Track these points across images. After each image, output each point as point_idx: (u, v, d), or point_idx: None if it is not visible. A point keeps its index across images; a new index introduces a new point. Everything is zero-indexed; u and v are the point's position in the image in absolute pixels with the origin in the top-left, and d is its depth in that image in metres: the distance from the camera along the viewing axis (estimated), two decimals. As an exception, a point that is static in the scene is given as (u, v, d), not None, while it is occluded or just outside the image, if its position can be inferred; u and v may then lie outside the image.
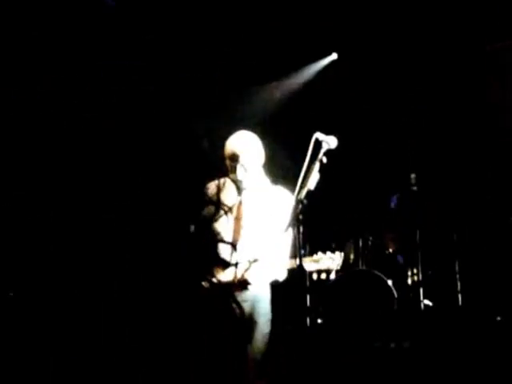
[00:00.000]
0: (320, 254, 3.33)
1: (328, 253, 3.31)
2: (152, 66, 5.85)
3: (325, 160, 3.27)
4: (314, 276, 3.34)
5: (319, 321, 5.46)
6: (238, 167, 3.53)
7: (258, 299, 3.50)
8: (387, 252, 5.56)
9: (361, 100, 6.35)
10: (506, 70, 6.08)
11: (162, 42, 5.88)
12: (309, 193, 3.20)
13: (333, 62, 6.75)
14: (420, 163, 6.03)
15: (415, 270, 5.30)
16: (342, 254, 3.31)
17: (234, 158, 3.54)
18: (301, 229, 3.13)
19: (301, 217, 3.12)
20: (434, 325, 5.08)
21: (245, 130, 3.69)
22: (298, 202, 3.16)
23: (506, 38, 6.00)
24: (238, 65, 6.25)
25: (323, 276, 3.32)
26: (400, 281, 5.37)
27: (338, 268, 3.29)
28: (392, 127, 6.43)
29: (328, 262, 3.30)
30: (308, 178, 3.24)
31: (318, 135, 3.30)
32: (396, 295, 5.08)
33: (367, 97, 6.35)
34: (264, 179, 3.68)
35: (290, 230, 3.21)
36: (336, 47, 6.68)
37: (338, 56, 6.71)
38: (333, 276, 3.32)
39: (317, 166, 3.26)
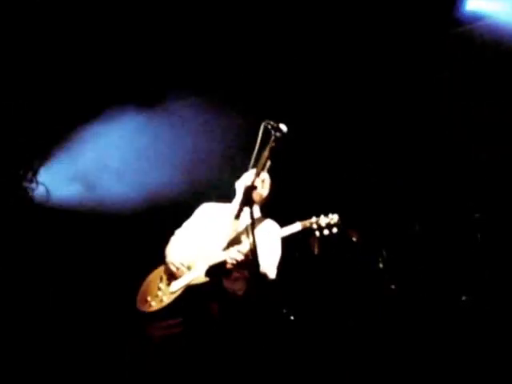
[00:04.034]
0: (314, 217, 3.68)
1: (322, 216, 3.67)
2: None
3: (275, 146, 3.30)
4: (317, 233, 3.66)
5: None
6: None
7: None
8: (351, 241, 5.62)
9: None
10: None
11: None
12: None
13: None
14: (385, 154, 6.08)
15: (380, 258, 5.35)
16: (336, 214, 3.66)
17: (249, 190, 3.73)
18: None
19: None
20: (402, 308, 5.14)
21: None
22: (250, 187, 3.18)
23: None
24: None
25: (326, 232, 3.64)
26: (365, 268, 5.44)
27: (339, 223, 3.64)
28: (355, 118, 6.38)
29: (325, 219, 3.65)
30: (259, 164, 3.27)
31: (267, 122, 3.33)
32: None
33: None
34: (259, 213, 4.05)
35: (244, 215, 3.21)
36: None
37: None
38: (335, 230, 3.64)
39: (267, 152, 3.29)
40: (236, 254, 3.65)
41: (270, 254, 3.84)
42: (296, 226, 3.73)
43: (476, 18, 5.93)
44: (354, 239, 5.59)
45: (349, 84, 6.09)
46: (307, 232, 3.75)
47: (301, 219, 3.79)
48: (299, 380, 4.64)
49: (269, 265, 3.80)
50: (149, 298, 3.84)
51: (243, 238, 3.76)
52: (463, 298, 5.04)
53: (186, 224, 4.18)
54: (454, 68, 5.96)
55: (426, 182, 5.88)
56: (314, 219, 3.67)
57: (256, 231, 3.29)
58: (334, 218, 3.63)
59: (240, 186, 4.06)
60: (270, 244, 3.84)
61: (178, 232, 4.15)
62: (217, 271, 3.72)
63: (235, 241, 3.81)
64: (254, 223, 3.09)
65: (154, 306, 3.78)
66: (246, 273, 3.77)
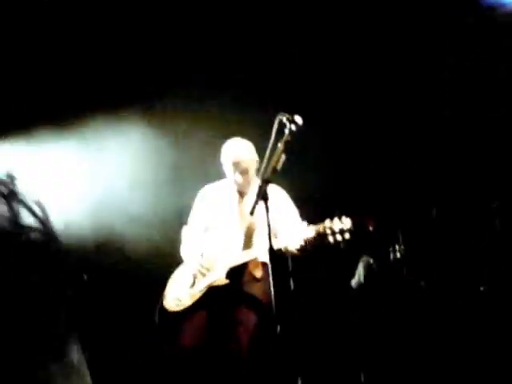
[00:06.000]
0: (328, 220, 3.47)
1: (335, 219, 3.46)
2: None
3: (290, 139, 3.24)
4: (330, 239, 3.45)
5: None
6: (239, 173, 3.83)
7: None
8: (367, 230, 5.56)
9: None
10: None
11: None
12: (275, 172, 3.19)
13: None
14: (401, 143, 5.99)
15: (396, 247, 5.29)
16: (349, 219, 3.46)
17: (236, 164, 3.83)
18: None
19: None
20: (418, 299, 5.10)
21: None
22: (264, 181, 3.14)
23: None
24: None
25: (339, 237, 3.44)
26: (381, 258, 5.39)
27: (352, 229, 3.45)
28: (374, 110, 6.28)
29: (339, 224, 3.44)
30: (274, 157, 3.22)
31: (282, 115, 3.27)
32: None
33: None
34: (256, 181, 3.85)
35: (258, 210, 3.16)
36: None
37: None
38: (347, 236, 3.45)
39: (282, 145, 3.23)
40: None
41: (290, 215, 3.87)
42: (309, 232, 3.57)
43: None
44: (371, 228, 5.54)
45: (352, 83, 6.03)
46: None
47: (316, 212, 3.71)
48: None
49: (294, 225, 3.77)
50: (171, 299, 3.81)
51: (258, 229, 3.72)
52: (481, 288, 4.99)
53: (191, 220, 4.08)
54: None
55: (444, 172, 5.78)
56: (327, 223, 3.46)
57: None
58: (346, 223, 3.44)
59: (227, 161, 3.92)
60: (285, 206, 3.89)
61: (185, 229, 4.06)
62: (237, 273, 3.70)
63: (249, 234, 3.77)
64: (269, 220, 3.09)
65: (176, 307, 3.75)
66: (266, 275, 3.67)
